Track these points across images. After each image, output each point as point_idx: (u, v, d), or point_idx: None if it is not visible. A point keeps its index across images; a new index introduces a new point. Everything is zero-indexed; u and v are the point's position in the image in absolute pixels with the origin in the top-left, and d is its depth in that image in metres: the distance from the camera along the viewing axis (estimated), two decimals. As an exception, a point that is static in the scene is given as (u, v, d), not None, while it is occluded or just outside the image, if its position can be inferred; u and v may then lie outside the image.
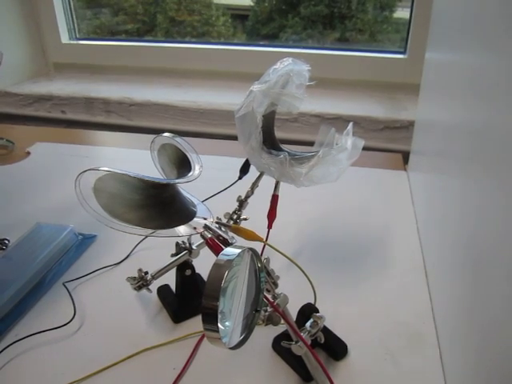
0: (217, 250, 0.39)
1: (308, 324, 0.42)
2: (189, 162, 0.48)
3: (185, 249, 0.50)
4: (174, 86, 1.27)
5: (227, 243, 0.40)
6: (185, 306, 0.51)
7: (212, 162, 0.72)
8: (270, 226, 0.53)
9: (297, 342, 0.38)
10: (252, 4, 1.36)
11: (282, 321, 0.37)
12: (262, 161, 0.49)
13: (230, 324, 0.31)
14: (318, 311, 0.44)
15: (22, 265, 0.56)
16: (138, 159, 0.63)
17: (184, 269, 0.50)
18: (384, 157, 0.95)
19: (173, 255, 0.50)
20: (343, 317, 0.50)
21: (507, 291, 0.30)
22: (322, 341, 0.42)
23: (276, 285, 0.40)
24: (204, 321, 0.29)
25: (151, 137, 0.49)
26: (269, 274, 0.39)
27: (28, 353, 0.46)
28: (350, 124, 0.52)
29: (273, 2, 1.35)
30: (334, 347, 0.46)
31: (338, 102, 1.13)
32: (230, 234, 0.42)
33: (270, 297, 0.37)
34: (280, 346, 0.42)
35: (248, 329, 0.34)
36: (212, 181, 0.61)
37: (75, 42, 1.41)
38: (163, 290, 0.54)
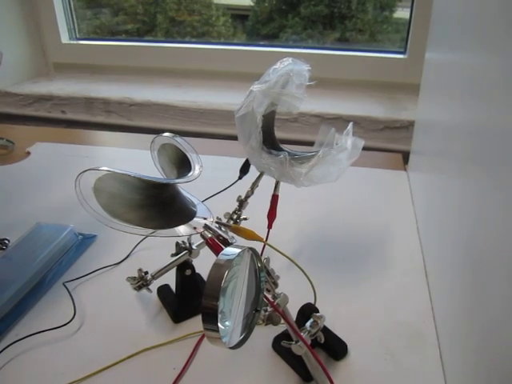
0: (217, 250, 0.39)
1: (308, 324, 0.42)
2: (189, 162, 0.48)
3: (185, 249, 0.50)
4: (174, 86, 1.27)
5: (227, 243, 0.40)
6: (185, 306, 0.51)
7: (212, 162, 0.72)
8: (269, 226, 0.53)
9: (297, 342, 0.38)
10: (252, 4, 1.36)
11: (282, 321, 0.37)
12: (262, 161, 0.49)
13: (230, 324, 0.31)
14: (317, 311, 0.44)
15: (22, 265, 0.56)
16: (137, 159, 0.63)
17: (184, 269, 0.50)
18: (384, 157, 0.95)
19: (173, 255, 0.50)
20: (343, 317, 0.50)
21: (507, 291, 0.30)
22: (322, 341, 0.42)
23: (276, 284, 0.40)
24: (204, 321, 0.29)
25: (151, 137, 0.49)
26: (269, 273, 0.39)
27: (28, 353, 0.46)
28: (350, 124, 0.52)
29: (273, 2, 1.35)
30: (333, 347, 0.46)
31: (338, 101, 1.13)
32: (230, 233, 0.42)
33: (270, 296, 0.37)
34: (280, 345, 0.42)
35: (248, 328, 0.34)
36: (212, 181, 0.61)
37: (75, 41, 1.41)
38: (163, 290, 0.54)
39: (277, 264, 0.43)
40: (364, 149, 0.51)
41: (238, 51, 1.29)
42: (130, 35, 1.45)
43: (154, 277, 0.49)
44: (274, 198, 0.53)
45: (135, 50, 1.34)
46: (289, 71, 0.48)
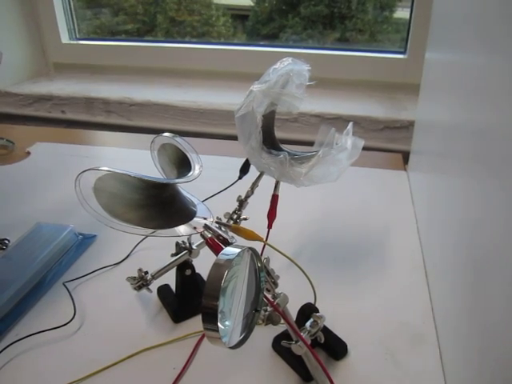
0: (217, 250, 0.39)
1: (308, 324, 0.42)
2: (189, 162, 0.48)
3: (185, 248, 0.50)
4: (174, 86, 1.27)
5: (227, 243, 0.40)
6: (185, 306, 0.51)
7: (212, 162, 0.72)
8: (269, 226, 0.53)
9: (297, 342, 0.38)
10: (252, 4, 1.36)
11: (282, 320, 0.37)
12: (262, 161, 0.49)
13: (230, 323, 0.31)
14: (317, 311, 0.44)
15: (22, 265, 0.56)
16: (138, 159, 0.63)
17: (184, 269, 0.50)
18: (384, 157, 0.95)
19: (173, 255, 0.50)
20: (343, 317, 0.50)
21: (510, 291, 0.30)
22: (322, 340, 0.42)
23: (276, 284, 0.39)
24: (204, 320, 0.29)
25: (151, 137, 0.49)
26: (269, 273, 0.39)
27: (28, 353, 0.46)
28: (350, 124, 0.52)
29: (273, 2, 1.35)
30: (333, 347, 0.46)
31: (338, 101, 1.13)
32: (230, 233, 0.42)
33: (269, 296, 0.37)
34: (280, 345, 0.42)
35: (248, 328, 0.34)
36: (212, 181, 0.61)
37: (75, 42, 1.41)
38: (163, 290, 0.54)
39: (277, 264, 0.43)
40: (364, 149, 0.51)
41: (237, 51, 1.29)
42: (130, 35, 1.45)
43: (154, 277, 0.49)
44: (274, 198, 0.53)
45: (135, 50, 1.34)
46: (289, 71, 0.48)
